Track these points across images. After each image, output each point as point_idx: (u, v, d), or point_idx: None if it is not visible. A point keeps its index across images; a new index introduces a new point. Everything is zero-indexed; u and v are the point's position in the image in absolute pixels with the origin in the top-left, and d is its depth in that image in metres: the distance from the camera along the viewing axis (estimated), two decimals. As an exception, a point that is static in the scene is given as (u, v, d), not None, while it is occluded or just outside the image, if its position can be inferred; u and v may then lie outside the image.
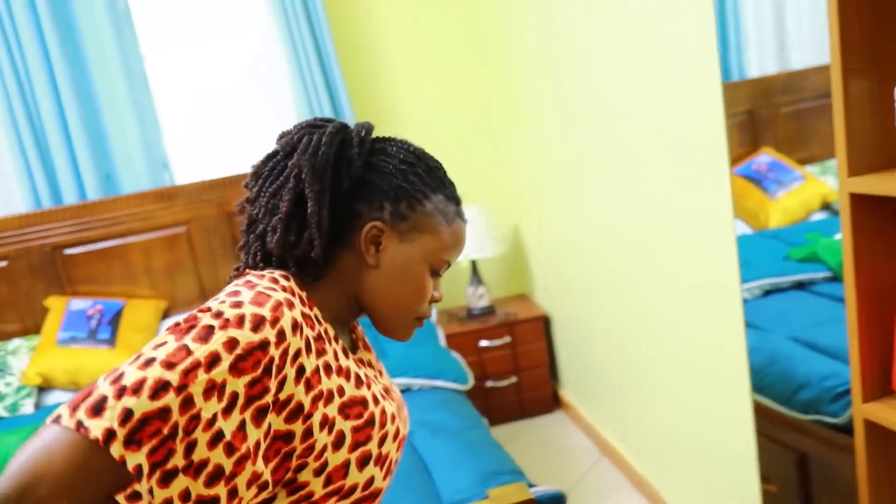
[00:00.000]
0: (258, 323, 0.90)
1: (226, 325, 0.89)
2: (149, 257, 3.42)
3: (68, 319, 3.17)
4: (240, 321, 0.89)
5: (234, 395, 0.87)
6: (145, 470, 0.81)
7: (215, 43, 3.54)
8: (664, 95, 2.11)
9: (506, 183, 3.80)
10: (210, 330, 0.88)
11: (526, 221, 3.70)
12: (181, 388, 0.83)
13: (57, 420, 0.81)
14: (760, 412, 2.05)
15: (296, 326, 0.94)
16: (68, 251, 3.35)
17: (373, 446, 1.02)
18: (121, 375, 0.85)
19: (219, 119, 3.57)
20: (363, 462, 1.01)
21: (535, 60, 3.07)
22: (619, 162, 2.47)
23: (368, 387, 1.05)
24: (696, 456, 2.37)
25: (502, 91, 3.56)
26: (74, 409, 0.82)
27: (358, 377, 1.05)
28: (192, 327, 0.89)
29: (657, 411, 2.58)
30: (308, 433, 0.95)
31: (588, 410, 3.36)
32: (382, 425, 1.04)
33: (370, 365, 1.17)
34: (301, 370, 0.94)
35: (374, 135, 1.12)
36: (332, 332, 1.04)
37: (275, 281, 1.00)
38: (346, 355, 1.06)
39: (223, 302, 0.93)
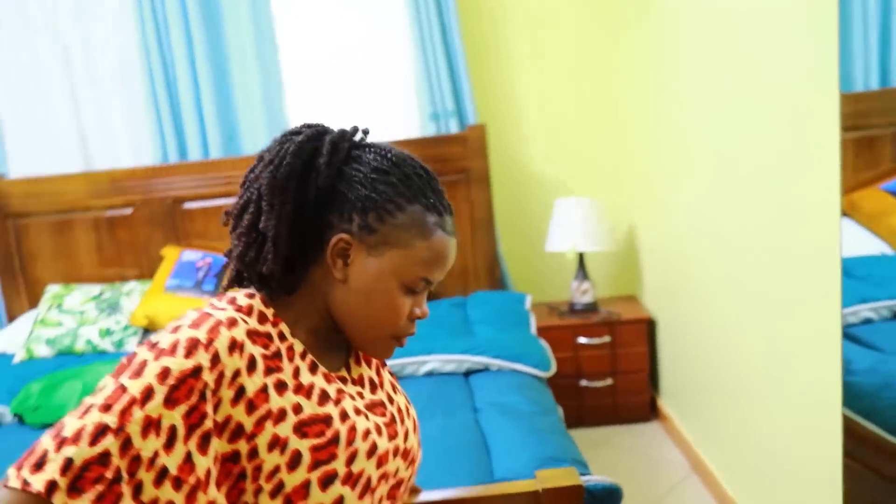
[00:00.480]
0: (192, 347, 0.88)
1: (160, 354, 0.88)
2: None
3: (178, 269, 3.28)
4: (173, 348, 0.88)
5: (173, 429, 0.85)
6: None
7: (342, 13, 3.57)
8: (780, 105, 1.96)
9: (625, 180, 3.61)
10: (144, 363, 0.87)
11: (641, 221, 3.51)
12: (119, 430, 0.82)
13: (6, 482, 0.82)
14: (866, 439, 1.83)
15: (233, 346, 0.91)
16: (187, 205, 3.47)
17: (338, 465, 0.97)
18: (62, 427, 0.84)
19: (338, 89, 3.60)
20: (327, 482, 0.95)
21: (661, 61, 2.91)
22: (733, 171, 2.31)
23: (337, 403, 1.01)
24: (785, 482, 2.16)
25: (629, 89, 3.40)
26: (19, 468, 0.82)
27: (324, 394, 1.00)
28: (130, 363, 0.88)
29: (751, 431, 2.37)
30: (254, 453, 0.91)
31: (684, 423, 3.15)
32: (350, 442, 0.99)
33: (360, 382, 1.11)
34: (241, 391, 0.91)
35: (370, 138, 1.05)
36: (299, 348, 1.01)
37: (232, 301, 0.99)
38: (314, 371, 1.02)
39: (165, 329, 0.92)
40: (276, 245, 0.98)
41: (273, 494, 0.92)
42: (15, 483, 0.81)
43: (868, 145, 1.69)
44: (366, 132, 1.07)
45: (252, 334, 0.95)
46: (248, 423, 0.90)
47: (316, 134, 1.02)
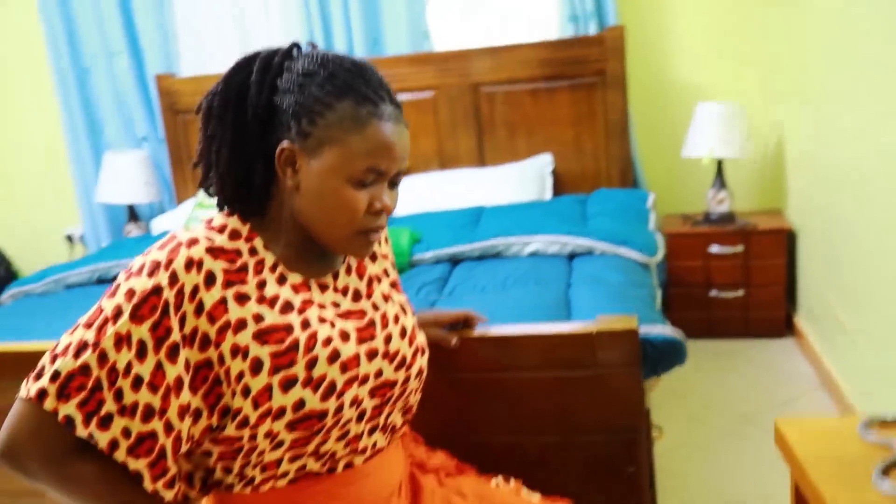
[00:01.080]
0: (154, 268, 0.96)
1: (129, 276, 0.97)
2: (398, 119, 3.60)
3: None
4: (140, 270, 0.97)
5: (141, 342, 0.94)
6: (78, 420, 0.93)
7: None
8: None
9: (774, 85, 3.35)
10: (118, 285, 0.97)
11: (790, 129, 3.27)
12: (95, 345, 0.93)
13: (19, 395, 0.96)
14: None
15: (190, 264, 0.97)
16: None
17: (298, 370, 1.01)
18: (58, 344, 0.96)
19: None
20: (287, 385, 1.01)
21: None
22: None
23: (301, 312, 1.05)
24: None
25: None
26: (26, 382, 0.96)
27: (287, 304, 1.04)
28: (113, 286, 0.98)
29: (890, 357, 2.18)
30: (221, 359, 0.99)
31: (819, 342, 2.94)
32: (309, 349, 1.03)
33: (343, 291, 1.14)
34: (200, 304, 0.98)
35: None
36: (270, 261, 1.06)
37: (209, 221, 1.06)
38: (282, 282, 1.06)
39: (144, 251, 1.01)
40: (219, 168, 1.05)
41: (244, 395, 1.00)
42: (21, 394, 0.95)
43: None
44: (303, 46, 1.09)
45: (216, 251, 1.01)
46: (212, 332, 0.98)
47: (247, 60, 1.06)
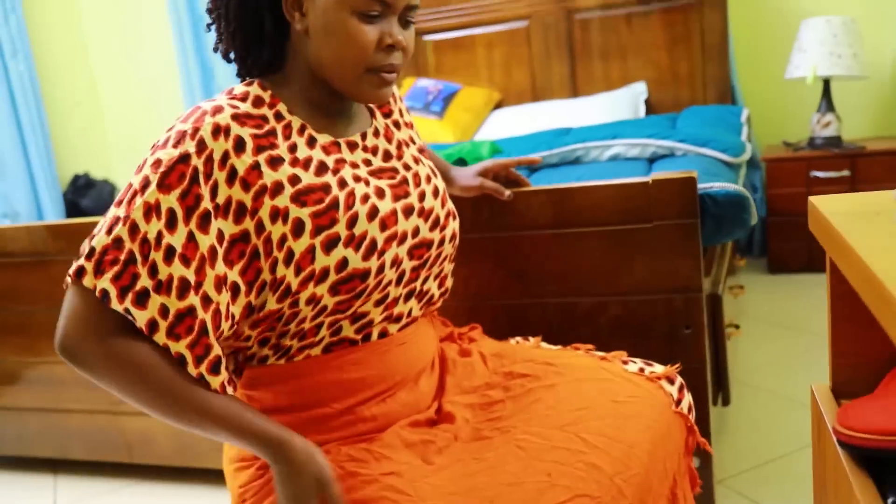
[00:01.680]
0: (179, 138, 0.93)
1: (154, 149, 0.94)
2: (491, 50, 3.59)
3: (411, 92, 3.48)
4: (166, 141, 0.94)
5: (171, 211, 0.91)
6: (113, 293, 0.89)
7: None
8: None
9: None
10: (145, 161, 0.94)
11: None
12: (126, 218, 0.90)
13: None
14: None
15: (217, 131, 0.94)
16: (426, 38, 3.69)
17: (339, 229, 0.99)
18: (96, 225, 0.95)
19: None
20: (329, 245, 0.98)
21: None
22: None
23: (336, 173, 1.03)
24: None
25: None
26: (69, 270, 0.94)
27: (322, 165, 1.02)
28: (139, 164, 0.95)
29: None
30: (260, 227, 0.96)
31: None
32: (349, 207, 1.00)
33: (372, 151, 1.12)
34: (233, 171, 0.94)
35: None
36: (297, 125, 1.03)
37: (229, 91, 1.02)
38: (312, 144, 1.04)
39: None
40: (230, 24, 1.03)
41: (286, 262, 0.97)
42: (67, 280, 0.94)
43: None
44: None
45: (241, 117, 0.98)
46: (247, 199, 0.95)
47: None
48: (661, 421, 1.11)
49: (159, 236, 0.91)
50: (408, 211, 1.08)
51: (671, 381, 1.20)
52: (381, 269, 1.03)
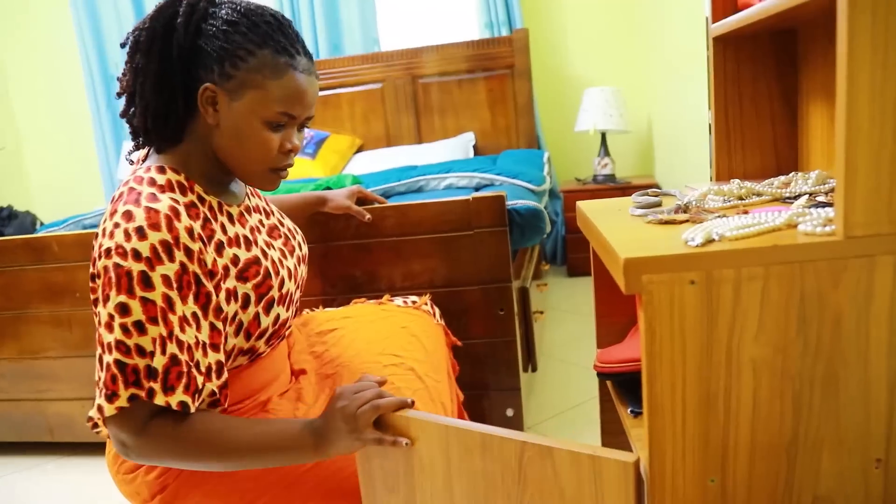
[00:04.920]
0: (167, 250, 0.84)
1: (151, 263, 0.83)
2: (353, 105, 3.66)
3: (289, 138, 3.50)
4: (155, 255, 0.83)
5: (195, 316, 0.86)
6: (188, 400, 0.84)
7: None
8: None
9: (646, 74, 3.51)
10: (141, 276, 0.82)
11: (657, 114, 3.40)
12: (170, 335, 0.83)
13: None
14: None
15: (191, 232, 0.87)
16: (300, 95, 3.68)
17: (274, 292, 0.98)
18: (122, 347, 0.82)
19: (417, 5, 3.68)
20: (268, 307, 0.97)
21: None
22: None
23: (256, 243, 0.99)
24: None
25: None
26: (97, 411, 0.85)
27: (246, 238, 0.97)
28: (123, 277, 0.82)
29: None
30: (219, 310, 0.90)
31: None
32: (277, 272, 0.99)
33: (257, 210, 1.06)
34: (204, 265, 0.88)
35: None
36: (216, 203, 0.96)
37: (152, 183, 0.90)
38: (232, 221, 0.97)
39: (126, 233, 0.84)
40: (143, 99, 0.93)
41: (236, 332, 0.94)
42: (104, 413, 0.82)
43: None
44: None
45: (189, 209, 0.90)
46: (212, 289, 0.89)
47: (171, 1, 0.94)
48: (431, 329, 1.33)
49: (196, 338, 0.86)
50: (300, 260, 1.11)
51: (428, 306, 1.41)
52: (295, 313, 1.08)
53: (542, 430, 1.87)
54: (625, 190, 3.29)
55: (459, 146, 3.39)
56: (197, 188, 0.95)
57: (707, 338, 0.70)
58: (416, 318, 1.33)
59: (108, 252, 0.84)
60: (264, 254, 0.99)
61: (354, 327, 1.28)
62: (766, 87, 1.06)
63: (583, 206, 1.06)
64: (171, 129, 0.95)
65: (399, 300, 1.41)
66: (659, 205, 0.96)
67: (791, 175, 1.00)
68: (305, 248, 1.15)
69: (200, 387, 0.85)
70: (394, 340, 1.23)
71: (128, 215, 0.85)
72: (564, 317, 2.84)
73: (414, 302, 1.41)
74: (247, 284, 0.94)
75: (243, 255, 0.95)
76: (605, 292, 1.12)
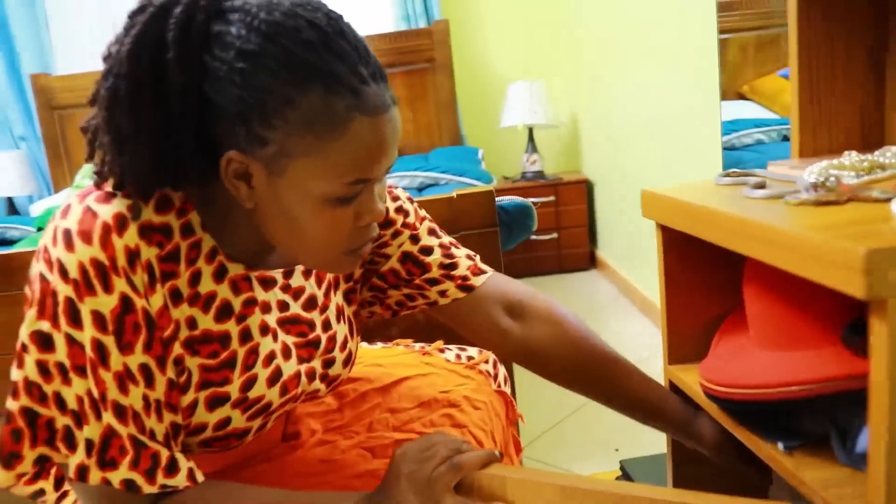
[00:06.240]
0: (102, 275, 0.58)
1: (77, 290, 0.58)
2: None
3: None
4: (85, 279, 0.57)
5: (144, 369, 0.61)
6: (141, 481, 0.62)
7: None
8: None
9: (571, 66, 3.39)
10: (68, 304, 0.58)
11: (583, 107, 3.30)
12: (103, 397, 0.60)
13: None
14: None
15: (132, 255, 0.59)
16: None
17: (231, 389, 0.67)
18: (36, 391, 0.60)
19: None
20: (214, 403, 0.67)
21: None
22: (653, 66, 2.10)
23: (240, 319, 0.67)
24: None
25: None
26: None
27: (226, 307, 0.66)
28: (48, 297, 0.59)
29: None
30: (177, 361, 0.65)
31: (616, 264, 2.96)
32: (247, 367, 0.68)
33: (293, 293, 0.74)
34: (147, 314, 0.61)
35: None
36: (207, 246, 0.65)
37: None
38: (221, 277, 0.66)
39: (53, 234, 0.60)
40: (134, 172, 0.59)
41: (168, 409, 0.64)
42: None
43: (770, 42, 1.53)
44: None
45: (146, 230, 0.61)
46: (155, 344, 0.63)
47: (160, 11, 0.58)
48: (484, 399, 0.94)
49: (146, 397, 0.62)
50: (311, 375, 0.76)
51: (489, 365, 1.03)
52: (264, 424, 0.73)
53: (537, 453, 1.65)
54: (556, 187, 3.15)
55: (378, 146, 3.11)
56: (193, 216, 0.64)
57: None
58: (465, 383, 0.95)
59: (37, 253, 0.61)
60: (246, 338, 0.68)
61: (384, 383, 0.93)
62: (856, 50, 0.90)
63: (668, 192, 0.84)
64: (194, 173, 0.63)
65: (452, 352, 1.02)
66: (763, 186, 0.77)
67: (885, 149, 0.84)
68: (345, 372, 0.80)
69: (163, 460, 0.62)
70: (421, 413, 0.88)
71: (65, 210, 0.61)
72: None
73: (470, 358, 1.01)
74: (193, 358, 0.65)
75: (206, 322, 0.66)
76: (679, 297, 0.91)
